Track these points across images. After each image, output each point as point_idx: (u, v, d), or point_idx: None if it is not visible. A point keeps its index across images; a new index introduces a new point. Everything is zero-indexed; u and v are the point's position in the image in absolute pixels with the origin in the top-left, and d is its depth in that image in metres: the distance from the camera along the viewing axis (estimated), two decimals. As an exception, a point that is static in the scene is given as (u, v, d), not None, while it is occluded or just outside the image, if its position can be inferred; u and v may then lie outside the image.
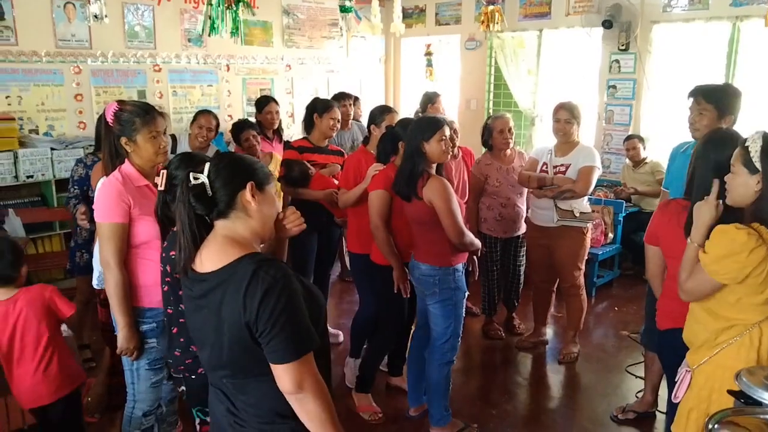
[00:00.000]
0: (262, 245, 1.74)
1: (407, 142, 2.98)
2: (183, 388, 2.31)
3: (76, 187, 3.53)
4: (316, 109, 3.98)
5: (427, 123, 2.97)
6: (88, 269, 3.53)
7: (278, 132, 5.19)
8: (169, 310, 2.24)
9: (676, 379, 2.25)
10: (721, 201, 2.04)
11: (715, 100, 2.84)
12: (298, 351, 1.52)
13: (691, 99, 2.92)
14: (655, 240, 2.49)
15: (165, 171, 2.13)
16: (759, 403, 1.74)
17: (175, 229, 2.09)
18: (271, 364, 1.53)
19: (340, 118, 4.04)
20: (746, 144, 1.97)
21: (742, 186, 1.99)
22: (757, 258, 1.88)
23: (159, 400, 2.52)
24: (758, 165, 1.92)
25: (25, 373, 2.51)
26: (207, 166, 1.64)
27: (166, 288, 2.22)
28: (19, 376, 2.52)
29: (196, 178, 1.61)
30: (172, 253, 2.02)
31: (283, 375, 1.52)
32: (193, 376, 2.21)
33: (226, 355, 1.58)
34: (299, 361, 1.51)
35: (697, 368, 2.10)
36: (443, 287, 3.03)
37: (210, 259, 1.61)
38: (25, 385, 2.52)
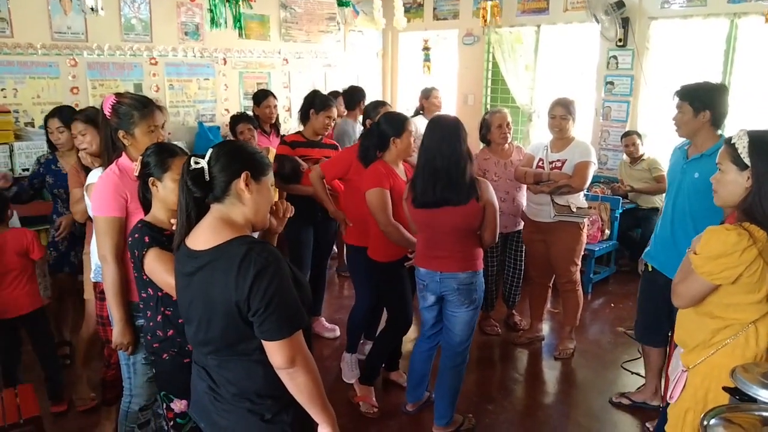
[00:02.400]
0: (255, 234, 1.79)
1: (445, 146, 2.79)
2: (153, 370, 2.40)
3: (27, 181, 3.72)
4: (314, 104, 3.97)
5: (461, 124, 2.89)
6: (59, 266, 3.65)
7: (276, 126, 5.17)
8: (142, 294, 2.28)
9: (671, 380, 2.25)
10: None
11: (689, 98, 2.87)
12: (291, 328, 1.61)
13: (673, 98, 2.95)
14: None
15: (141, 157, 2.25)
16: (754, 400, 1.75)
17: (144, 218, 2.26)
18: (264, 342, 1.62)
19: (336, 116, 4.06)
20: (732, 141, 1.98)
21: (731, 184, 2.00)
22: (748, 258, 1.88)
23: (155, 394, 2.51)
24: (747, 161, 1.93)
25: (9, 289, 3.24)
26: (209, 152, 1.71)
27: (135, 274, 2.27)
28: (5, 292, 3.23)
29: (196, 163, 1.69)
30: (130, 239, 2.22)
31: (276, 352, 1.61)
32: (161, 359, 2.26)
33: (212, 332, 1.67)
34: (291, 338, 1.61)
35: (693, 368, 2.10)
36: (480, 292, 3.00)
37: (204, 237, 1.69)
38: (10, 297, 3.24)
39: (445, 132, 2.85)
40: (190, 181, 1.69)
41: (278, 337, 1.60)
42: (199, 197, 1.71)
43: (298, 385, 1.65)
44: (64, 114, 3.50)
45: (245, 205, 1.70)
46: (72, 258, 3.67)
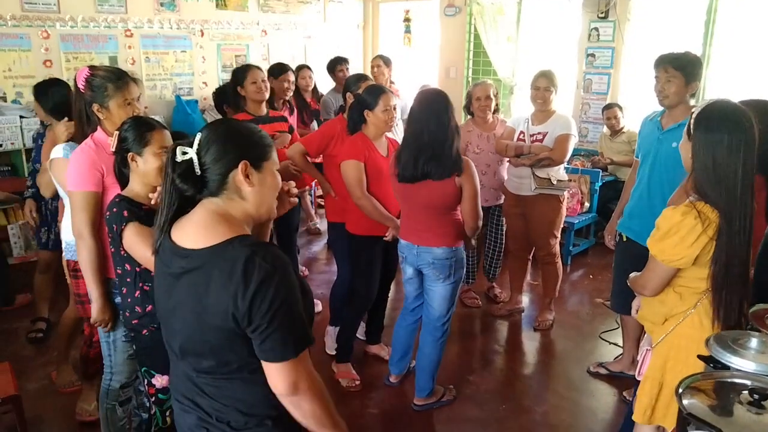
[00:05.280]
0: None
1: (434, 121, 2.76)
2: (134, 347, 2.38)
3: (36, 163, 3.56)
4: (237, 80, 3.82)
5: (448, 98, 2.85)
6: (50, 245, 3.62)
7: (289, 103, 5.00)
8: (118, 270, 2.26)
9: (638, 358, 2.30)
10: None
11: (682, 68, 2.87)
12: (296, 348, 1.39)
13: (659, 68, 2.94)
14: None
15: (117, 132, 2.18)
16: (728, 367, 1.79)
17: (121, 192, 2.21)
18: (264, 363, 1.40)
19: (264, 78, 3.85)
20: (692, 110, 2.01)
21: (684, 151, 2.04)
22: (703, 241, 1.91)
23: (136, 371, 2.51)
24: (692, 131, 1.96)
25: None
26: (198, 137, 1.45)
27: (112, 249, 2.24)
28: None
29: (184, 153, 1.42)
30: (108, 213, 2.16)
31: (278, 375, 1.39)
32: (141, 335, 2.25)
33: (205, 346, 1.43)
34: (295, 359, 1.39)
35: (656, 346, 2.14)
36: (458, 267, 3.01)
37: (195, 233, 1.43)
38: None
39: (433, 106, 2.81)
40: (179, 179, 1.43)
41: (281, 358, 1.37)
42: (189, 194, 1.45)
43: (303, 412, 1.45)
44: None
45: (246, 200, 1.46)
46: (41, 235, 3.65)
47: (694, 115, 1.96)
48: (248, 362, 1.42)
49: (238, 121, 1.58)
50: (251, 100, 3.84)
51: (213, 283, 1.37)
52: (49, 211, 3.65)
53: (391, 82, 5.43)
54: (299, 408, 1.44)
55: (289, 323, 1.37)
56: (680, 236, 1.91)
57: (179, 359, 1.52)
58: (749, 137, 1.89)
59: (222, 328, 1.38)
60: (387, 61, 5.44)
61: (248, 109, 3.86)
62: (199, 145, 1.43)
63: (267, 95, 3.90)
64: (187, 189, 1.44)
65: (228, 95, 4.19)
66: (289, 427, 1.51)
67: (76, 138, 2.52)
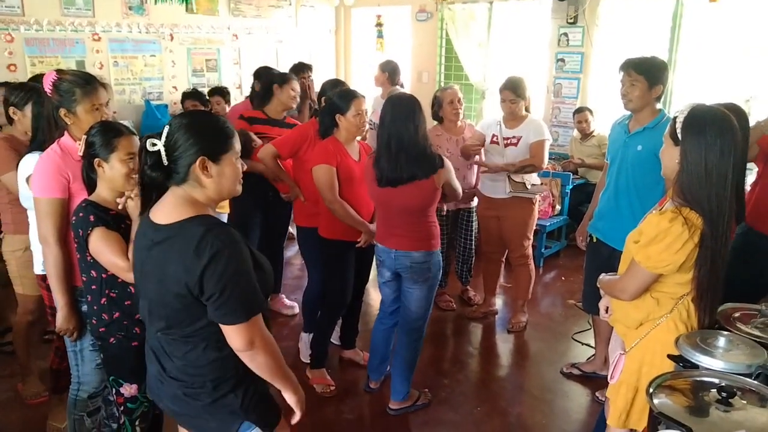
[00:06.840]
0: None
1: (409, 127, 2.81)
2: (101, 356, 2.34)
3: None
4: (275, 80, 3.89)
5: (418, 101, 2.89)
6: None
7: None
8: (84, 278, 2.22)
9: (610, 361, 2.30)
10: None
11: (645, 71, 2.90)
12: (248, 313, 1.59)
13: (622, 72, 2.98)
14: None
15: (85, 137, 2.17)
16: (696, 366, 1.82)
17: (88, 197, 2.19)
18: (221, 326, 1.60)
19: (298, 92, 3.95)
20: (676, 116, 2.00)
21: (667, 157, 2.03)
22: (689, 248, 1.91)
23: (105, 381, 2.45)
24: (680, 136, 1.94)
25: None
26: (166, 129, 1.61)
27: (78, 256, 2.21)
28: None
29: (153, 145, 1.60)
30: (74, 218, 2.15)
31: (234, 335, 1.60)
32: (109, 343, 2.23)
33: (164, 309, 1.65)
34: (249, 321, 1.59)
35: (630, 351, 2.14)
36: (435, 270, 3.03)
37: (165, 211, 1.63)
38: None
39: (408, 111, 2.83)
40: (149, 169, 1.62)
41: (235, 322, 1.58)
42: (160, 182, 1.64)
43: (258, 364, 1.67)
44: None
45: (206, 188, 1.64)
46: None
47: (680, 120, 1.94)
48: (197, 326, 1.63)
49: (203, 113, 1.75)
50: (280, 102, 3.88)
51: (174, 254, 1.58)
52: None
53: (401, 86, 5.33)
54: (254, 360, 1.66)
55: (240, 291, 1.57)
56: (666, 243, 1.91)
57: (147, 324, 1.76)
58: (737, 141, 1.89)
59: (178, 294, 1.58)
60: (384, 67, 5.30)
61: (268, 109, 3.92)
62: (166, 137, 1.60)
63: (294, 105, 3.99)
64: (156, 177, 1.63)
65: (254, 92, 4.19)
66: (229, 387, 1.70)
67: (46, 143, 2.45)
